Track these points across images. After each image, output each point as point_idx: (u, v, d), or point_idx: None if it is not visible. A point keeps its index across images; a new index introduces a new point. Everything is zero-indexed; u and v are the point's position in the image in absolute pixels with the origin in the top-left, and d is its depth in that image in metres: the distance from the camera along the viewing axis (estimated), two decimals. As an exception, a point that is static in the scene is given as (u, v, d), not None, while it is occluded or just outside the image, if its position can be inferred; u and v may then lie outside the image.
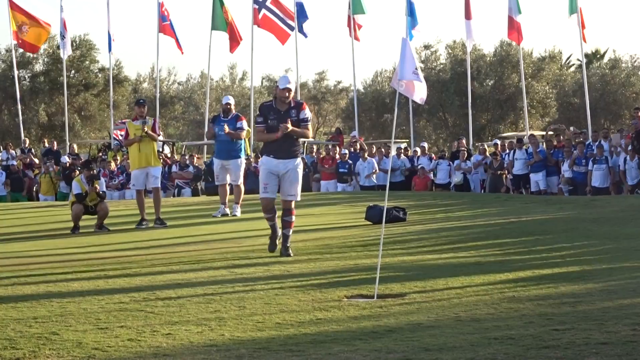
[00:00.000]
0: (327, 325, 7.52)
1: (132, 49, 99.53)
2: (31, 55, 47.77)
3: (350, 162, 28.62)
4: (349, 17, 36.06)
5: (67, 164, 29.86)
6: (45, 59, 51.35)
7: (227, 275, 10.46)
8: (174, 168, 29.75)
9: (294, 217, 12.17)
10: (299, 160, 12.13)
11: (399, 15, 37.28)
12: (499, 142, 30.28)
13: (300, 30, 35.75)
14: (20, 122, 39.59)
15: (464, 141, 30.12)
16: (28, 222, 18.65)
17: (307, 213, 17.56)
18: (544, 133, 35.02)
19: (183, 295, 9.05)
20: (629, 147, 24.32)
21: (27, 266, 11.55)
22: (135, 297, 8.95)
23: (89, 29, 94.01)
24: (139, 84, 62.17)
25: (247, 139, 32.96)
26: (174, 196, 28.45)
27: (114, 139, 36.21)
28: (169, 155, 33.13)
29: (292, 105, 12.04)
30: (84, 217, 16.57)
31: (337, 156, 29.01)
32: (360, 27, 36.34)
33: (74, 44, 48.15)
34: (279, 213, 12.22)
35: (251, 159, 27.68)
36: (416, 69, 9.74)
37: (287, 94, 11.92)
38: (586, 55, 45.78)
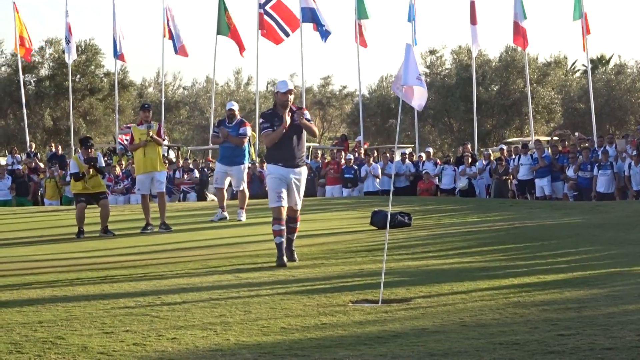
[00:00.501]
0: (332, 330, 7.51)
1: (137, 54, 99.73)
2: (37, 59, 47.87)
3: (356, 167, 28.64)
4: (355, 22, 36.11)
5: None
6: (51, 64, 51.47)
7: (232, 279, 10.46)
8: (177, 174, 29.70)
9: (299, 224, 12.18)
10: (306, 169, 12.12)
11: (404, 20, 37.14)
12: (505, 147, 30.28)
13: (323, 37, 35.50)
14: (26, 126, 39.69)
15: (469, 146, 30.10)
16: (33, 226, 18.65)
17: (312, 218, 17.56)
18: (549, 138, 35.01)
19: (188, 299, 9.05)
20: (634, 153, 24.32)
21: (33, 270, 11.56)
22: (141, 301, 8.95)
23: (95, 33, 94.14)
24: (144, 89, 62.19)
25: (252, 144, 33.21)
26: (179, 201, 28.47)
27: (119, 143, 36.28)
28: (174, 160, 33.16)
29: (294, 110, 12.04)
30: (89, 221, 16.57)
31: (343, 161, 29.03)
32: (364, 31, 36.37)
33: (79, 49, 48.18)
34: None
35: (256, 164, 27.70)
36: (420, 74, 9.76)
37: (289, 97, 11.91)
38: (591, 61, 45.78)
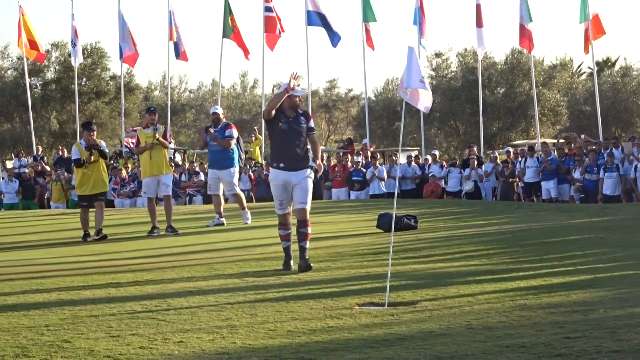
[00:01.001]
0: (339, 333, 7.52)
1: (143, 57, 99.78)
2: (43, 62, 47.92)
3: (364, 170, 28.65)
4: (362, 25, 36.08)
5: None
6: (57, 67, 51.53)
7: (238, 282, 10.46)
8: (183, 177, 29.72)
9: (309, 229, 11.75)
10: (309, 171, 12.02)
11: (410, 23, 37.15)
12: (511, 149, 30.25)
13: (334, 42, 35.33)
14: (32, 129, 39.71)
15: (475, 149, 30.09)
16: (39, 229, 18.69)
17: (318, 221, 17.53)
18: (555, 141, 34.96)
19: (195, 303, 9.06)
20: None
21: (39, 274, 11.56)
22: (147, 304, 8.96)
23: (100, 36, 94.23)
24: (150, 92, 62.28)
25: (257, 147, 33.22)
26: (185, 204, 28.49)
27: (125, 146, 36.30)
28: (180, 163, 33.19)
29: (300, 112, 12.01)
30: (94, 224, 16.56)
31: (349, 164, 29.03)
32: (370, 34, 36.36)
33: (85, 52, 48.22)
34: (293, 230, 11.98)
35: (262, 167, 27.70)
36: (422, 77, 9.76)
37: (297, 100, 11.92)
38: (597, 63, 45.70)
